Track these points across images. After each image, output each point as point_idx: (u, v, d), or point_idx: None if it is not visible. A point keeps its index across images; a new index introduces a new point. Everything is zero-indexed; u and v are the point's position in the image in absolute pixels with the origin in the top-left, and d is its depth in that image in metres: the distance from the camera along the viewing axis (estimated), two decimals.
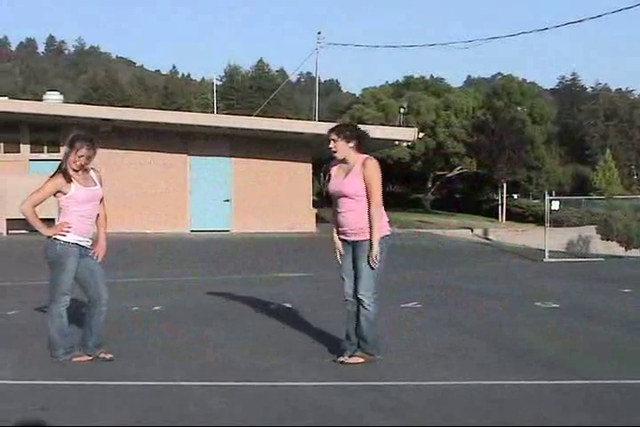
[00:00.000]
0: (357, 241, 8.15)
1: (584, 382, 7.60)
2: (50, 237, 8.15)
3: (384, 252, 8.15)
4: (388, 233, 8.31)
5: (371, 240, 8.04)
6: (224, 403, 6.81)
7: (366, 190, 8.04)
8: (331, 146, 8.11)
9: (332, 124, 8.71)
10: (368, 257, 8.06)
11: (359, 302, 8.16)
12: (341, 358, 8.22)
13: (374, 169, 8.06)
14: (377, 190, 8.05)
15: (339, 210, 8.19)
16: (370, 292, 8.12)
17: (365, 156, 8.17)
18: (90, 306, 8.38)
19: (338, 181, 8.16)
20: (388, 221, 8.47)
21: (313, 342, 9.34)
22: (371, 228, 8.06)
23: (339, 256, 8.39)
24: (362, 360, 8.16)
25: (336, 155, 8.15)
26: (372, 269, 8.07)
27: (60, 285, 8.20)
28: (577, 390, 7.34)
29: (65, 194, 8.13)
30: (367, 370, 8.05)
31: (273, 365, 8.19)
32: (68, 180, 8.10)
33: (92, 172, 8.37)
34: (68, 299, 8.27)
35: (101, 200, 8.41)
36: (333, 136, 8.14)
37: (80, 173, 8.21)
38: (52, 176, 8.20)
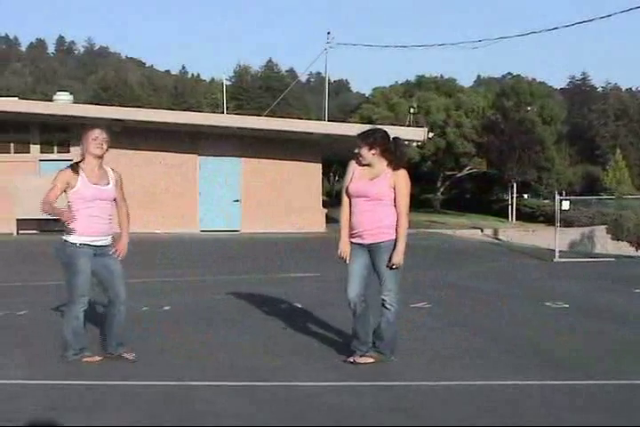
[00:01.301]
0: (375, 243, 8.14)
1: (597, 383, 7.58)
2: (61, 239, 8.20)
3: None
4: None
5: (396, 247, 8.07)
6: (235, 403, 6.80)
7: (395, 198, 8.11)
8: (356, 151, 8.20)
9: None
10: (389, 259, 8.07)
11: (382, 301, 8.20)
12: (351, 358, 8.21)
13: (406, 180, 8.16)
14: (407, 200, 8.16)
15: (356, 210, 8.18)
16: (393, 292, 8.20)
17: (388, 163, 8.17)
18: (109, 305, 8.37)
19: (362, 182, 8.15)
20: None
21: (324, 341, 9.34)
22: (398, 237, 8.10)
23: (347, 258, 8.34)
24: (372, 360, 8.15)
25: (361, 160, 8.19)
26: (393, 269, 8.09)
27: (74, 287, 8.16)
28: (590, 391, 7.32)
29: (72, 188, 8.15)
30: (378, 370, 8.04)
31: (284, 364, 8.19)
32: (76, 172, 8.16)
33: (109, 171, 8.38)
34: (86, 301, 8.22)
35: (114, 200, 8.35)
36: (358, 142, 8.21)
37: (96, 169, 8.23)
38: (60, 170, 8.31)
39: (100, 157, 8.28)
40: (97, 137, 8.27)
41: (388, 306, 8.17)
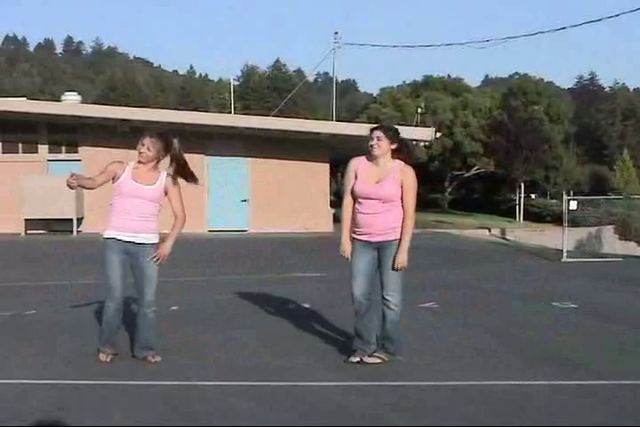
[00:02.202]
0: (385, 242, 8.14)
1: (604, 383, 7.58)
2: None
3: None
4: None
5: (400, 246, 8.07)
6: (242, 403, 6.81)
7: (402, 198, 8.09)
8: (373, 143, 8.10)
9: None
10: (394, 260, 8.07)
11: (385, 302, 8.16)
12: (358, 357, 8.20)
13: (413, 178, 8.15)
14: (414, 199, 8.15)
15: (366, 211, 8.13)
16: (397, 292, 8.15)
17: (402, 163, 8.18)
18: (138, 307, 8.39)
19: (370, 183, 8.11)
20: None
21: (332, 341, 9.34)
22: (402, 236, 8.11)
23: (349, 256, 8.33)
24: (379, 360, 8.16)
25: (375, 152, 8.11)
26: (397, 270, 8.08)
27: (105, 279, 8.20)
28: (597, 391, 7.32)
29: (117, 180, 8.21)
30: (387, 370, 8.05)
31: (292, 364, 8.20)
32: (123, 166, 8.26)
33: (163, 174, 8.37)
34: (115, 296, 8.17)
35: (158, 202, 8.35)
36: (379, 133, 8.14)
37: (145, 170, 8.28)
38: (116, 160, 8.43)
39: (144, 163, 8.28)
40: (143, 144, 8.25)
41: (392, 307, 8.15)
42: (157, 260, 8.27)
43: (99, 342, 8.37)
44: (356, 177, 8.21)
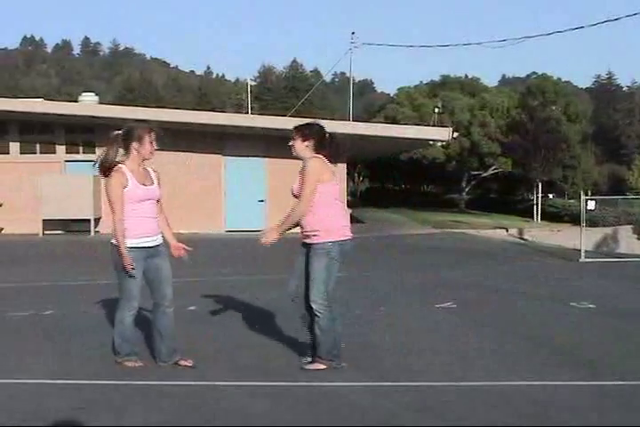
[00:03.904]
0: (310, 244, 8.03)
1: (623, 383, 7.55)
2: (111, 243, 7.94)
3: (328, 257, 7.94)
4: (344, 238, 8.05)
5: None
6: (260, 403, 6.82)
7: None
8: (290, 143, 8.18)
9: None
10: (315, 263, 7.94)
11: (311, 309, 7.99)
12: (303, 363, 8.13)
13: (307, 167, 7.97)
14: (305, 187, 7.97)
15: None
16: (319, 298, 7.90)
17: (313, 155, 8.08)
18: (154, 309, 8.14)
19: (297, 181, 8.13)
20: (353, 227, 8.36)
21: (347, 342, 9.31)
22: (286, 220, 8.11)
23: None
24: (323, 367, 7.97)
25: (292, 151, 8.21)
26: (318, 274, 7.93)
27: (124, 291, 7.95)
28: (616, 391, 7.30)
29: (125, 188, 7.91)
30: (403, 371, 8.04)
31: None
32: (124, 174, 7.94)
33: (150, 170, 8.23)
34: (135, 306, 7.98)
35: (158, 200, 8.24)
36: (292, 134, 8.20)
37: (141, 169, 8.08)
38: (109, 176, 7.97)
39: (141, 162, 8.13)
40: (154, 141, 8.12)
41: (316, 313, 7.94)
42: (181, 255, 8.28)
43: (118, 355, 8.15)
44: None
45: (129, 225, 7.85)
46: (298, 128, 8.25)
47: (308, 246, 8.04)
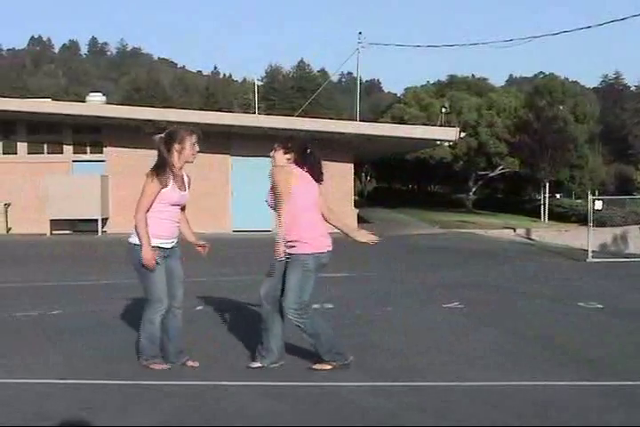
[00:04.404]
0: (289, 253, 7.98)
1: (630, 384, 7.54)
2: (130, 243, 7.88)
3: (303, 269, 7.95)
4: (320, 251, 8.11)
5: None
6: (263, 403, 6.82)
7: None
8: (270, 154, 8.19)
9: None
10: (290, 273, 7.95)
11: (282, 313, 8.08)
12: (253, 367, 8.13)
13: (273, 177, 8.06)
14: (279, 200, 8.03)
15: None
16: (292, 305, 7.93)
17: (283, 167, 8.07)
18: (169, 308, 8.06)
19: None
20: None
21: (352, 342, 9.31)
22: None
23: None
24: (329, 367, 7.97)
25: (272, 162, 8.19)
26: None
27: (150, 291, 7.90)
28: (621, 392, 7.29)
29: (164, 188, 7.91)
30: (408, 371, 8.04)
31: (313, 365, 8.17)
32: (167, 179, 7.93)
33: (186, 176, 8.24)
34: (163, 306, 7.91)
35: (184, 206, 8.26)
36: (275, 145, 8.20)
37: (180, 173, 8.12)
38: (150, 176, 7.92)
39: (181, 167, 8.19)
40: (196, 143, 8.13)
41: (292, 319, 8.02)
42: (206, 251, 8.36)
43: (143, 356, 8.08)
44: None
45: (153, 226, 7.83)
46: (281, 140, 8.26)
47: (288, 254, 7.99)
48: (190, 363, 8.14)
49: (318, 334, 7.95)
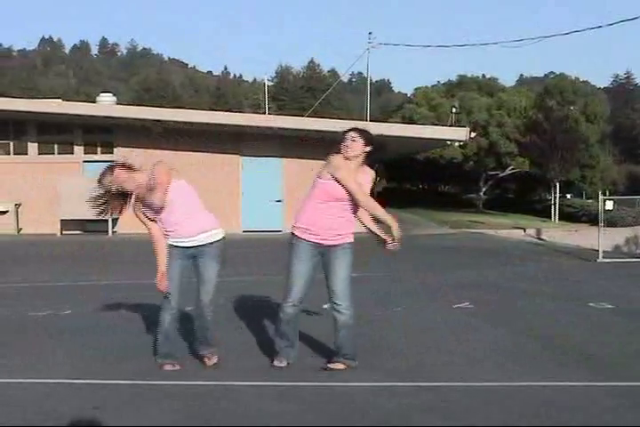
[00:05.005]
0: (337, 245, 7.89)
1: (638, 384, 7.52)
2: None
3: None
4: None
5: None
6: (274, 403, 6.82)
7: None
8: (348, 144, 7.85)
9: (354, 124, 8.48)
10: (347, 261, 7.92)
11: (337, 307, 7.99)
12: (280, 363, 8.13)
13: (337, 165, 7.89)
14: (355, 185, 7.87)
15: (333, 213, 7.91)
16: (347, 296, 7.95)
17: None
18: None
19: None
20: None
21: (362, 341, 9.30)
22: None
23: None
24: (343, 367, 7.98)
25: (347, 153, 7.85)
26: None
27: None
28: (631, 392, 7.27)
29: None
30: (418, 371, 8.03)
31: (322, 365, 8.16)
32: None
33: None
34: (171, 304, 7.99)
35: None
36: (354, 135, 7.88)
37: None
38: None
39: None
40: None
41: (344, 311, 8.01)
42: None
43: (158, 355, 8.15)
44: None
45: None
46: (362, 130, 7.99)
47: (327, 247, 7.87)
48: (207, 359, 8.19)
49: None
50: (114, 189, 7.88)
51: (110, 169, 7.97)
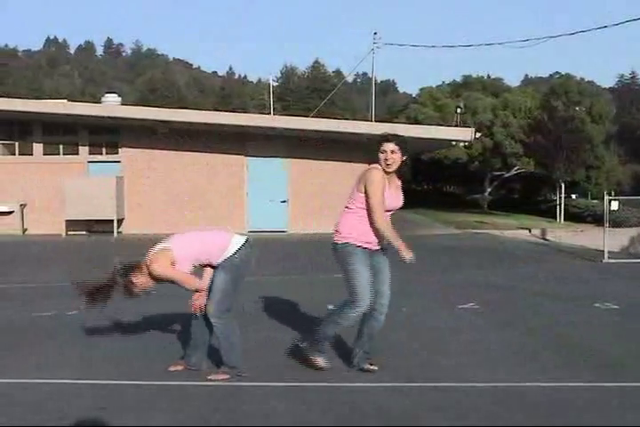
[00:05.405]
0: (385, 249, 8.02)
1: None
2: None
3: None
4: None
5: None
6: (283, 403, 6.82)
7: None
8: (388, 157, 7.73)
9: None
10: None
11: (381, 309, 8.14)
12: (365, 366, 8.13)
13: (372, 177, 7.84)
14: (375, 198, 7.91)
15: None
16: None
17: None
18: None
19: (392, 193, 7.87)
20: None
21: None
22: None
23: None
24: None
25: (390, 168, 7.76)
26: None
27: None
28: (638, 393, 7.26)
29: None
30: (424, 371, 8.03)
31: (332, 366, 8.17)
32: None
33: None
34: (197, 313, 8.13)
35: None
36: (390, 146, 7.78)
37: None
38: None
39: None
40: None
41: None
42: None
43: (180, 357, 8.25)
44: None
45: None
46: (400, 141, 7.88)
47: (378, 251, 8.05)
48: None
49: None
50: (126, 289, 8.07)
51: (132, 274, 8.26)
